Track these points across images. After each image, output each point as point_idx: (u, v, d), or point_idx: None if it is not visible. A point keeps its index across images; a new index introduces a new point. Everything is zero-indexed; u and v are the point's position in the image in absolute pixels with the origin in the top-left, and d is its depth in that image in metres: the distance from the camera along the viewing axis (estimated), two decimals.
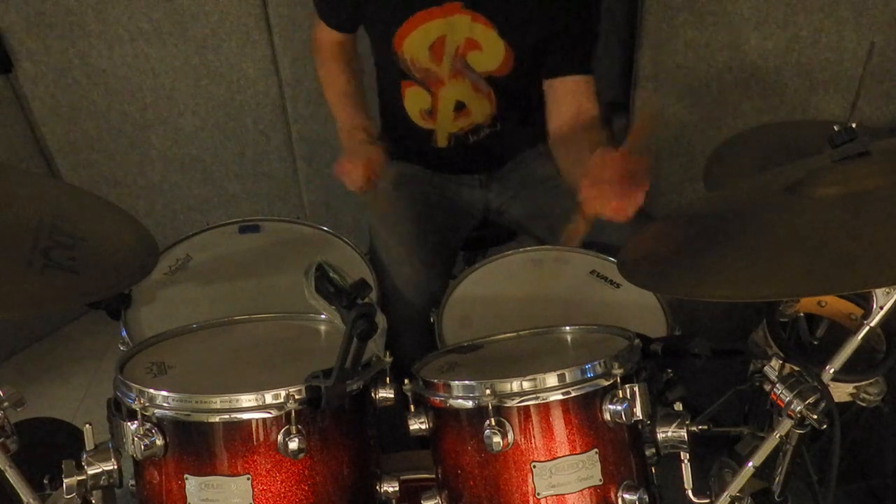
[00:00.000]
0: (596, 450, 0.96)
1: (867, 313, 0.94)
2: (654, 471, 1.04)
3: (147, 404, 0.93)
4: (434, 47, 1.45)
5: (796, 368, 1.04)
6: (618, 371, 0.96)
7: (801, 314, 1.55)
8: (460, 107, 1.54)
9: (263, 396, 0.93)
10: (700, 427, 1.02)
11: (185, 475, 0.94)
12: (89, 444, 1.00)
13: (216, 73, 2.08)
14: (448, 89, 1.51)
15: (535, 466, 0.95)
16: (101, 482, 0.98)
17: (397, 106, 1.58)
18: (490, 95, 1.52)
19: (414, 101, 1.56)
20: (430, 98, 1.53)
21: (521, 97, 1.59)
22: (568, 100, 1.50)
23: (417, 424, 1.04)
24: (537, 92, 1.60)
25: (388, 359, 1.06)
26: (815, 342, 1.57)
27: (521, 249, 1.48)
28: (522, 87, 1.56)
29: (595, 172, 1.20)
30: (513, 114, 1.58)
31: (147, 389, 0.94)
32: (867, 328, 0.95)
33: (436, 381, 1.02)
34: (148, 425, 0.93)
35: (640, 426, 1.01)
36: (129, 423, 0.94)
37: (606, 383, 0.96)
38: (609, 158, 1.19)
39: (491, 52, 1.45)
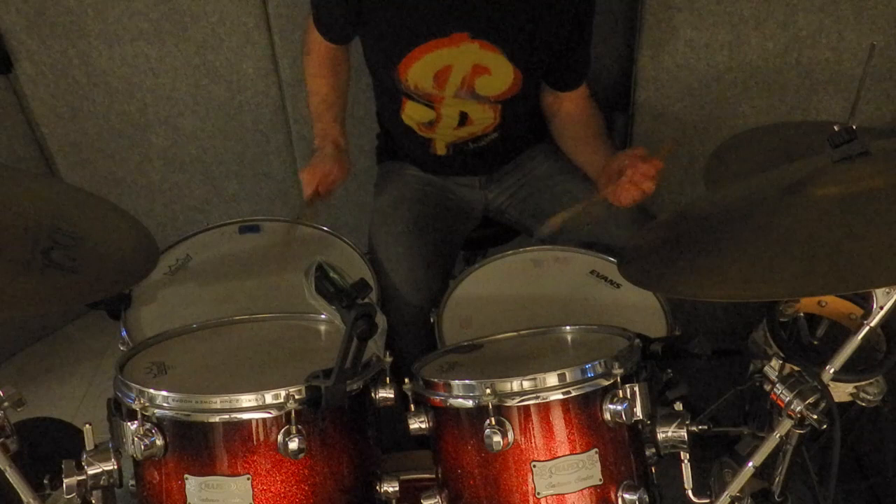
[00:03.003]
0: (596, 449, 0.96)
1: (867, 313, 0.94)
2: (654, 471, 1.04)
3: (147, 404, 0.93)
4: (439, 75, 1.43)
5: (796, 368, 1.04)
6: (618, 371, 0.96)
7: (801, 314, 1.54)
8: (464, 118, 1.52)
9: (263, 396, 0.93)
10: (700, 427, 1.02)
11: (185, 475, 0.94)
12: (89, 444, 1.00)
13: (216, 73, 2.08)
14: (451, 104, 1.49)
15: (535, 466, 0.95)
16: (101, 482, 0.98)
17: (395, 115, 1.56)
18: (496, 108, 1.51)
19: (413, 114, 1.54)
20: (431, 113, 1.51)
21: (525, 108, 1.59)
22: (579, 104, 1.60)
23: (417, 424, 1.04)
24: (537, 99, 1.61)
25: (388, 359, 1.06)
26: (815, 342, 1.57)
27: (521, 249, 1.48)
28: (528, 100, 1.57)
29: (630, 174, 1.34)
30: (516, 122, 1.58)
31: (147, 389, 0.94)
32: (867, 328, 0.95)
33: (436, 380, 1.02)
34: (148, 425, 0.93)
35: (640, 426, 1.01)
36: (129, 423, 0.94)
37: (607, 383, 0.96)
38: (645, 166, 1.33)
39: (500, 75, 1.44)
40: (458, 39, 1.39)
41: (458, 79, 1.44)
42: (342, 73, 1.62)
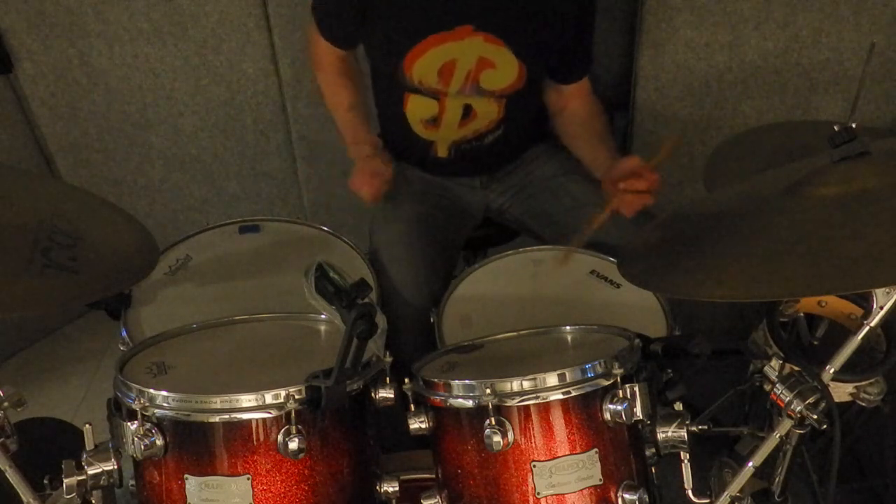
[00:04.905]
0: (596, 449, 0.96)
1: (867, 313, 0.94)
2: (654, 471, 1.04)
3: (147, 404, 0.93)
4: (443, 70, 1.43)
5: (796, 368, 1.04)
6: (618, 371, 0.96)
7: (801, 314, 1.54)
8: (468, 111, 1.52)
9: (263, 396, 0.93)
10: (700, 427, 1.02)
11: (185, 475, 0.94)
12: (89, 444, 1.00)
13: (216, 73, 2.08)
14: (455, 98, 1.49)
15: (535, 466, 0.95)
16: (101, 482, 0.98)
17: (397, 114, 1.56)
18: (501, 102, 1.51)
19: (416, 110, 1.53)
20: (435, 106, 1.51)
21: (529, 103, 1.59)
22: (582, 100, 1.60)
23: (417, 424, 1.04)
24: (541, 95, 1.61)
25: (388, 359, 1.06)
26: (815, 342, 1.57)
27: (521, 249, 1.48)
28: (532, 96, 1.57)
29: (631, 182, 1.35)
30: (519, 119, 1.58)
31: (147, 389, 0.94)
32: (867, 328, 0.95)
33: (436, 380, 1.02)
34: (148, 425, 0.93)
35: (640, 426, 1.01)
36: (129, 423, 0.94)
37: (606, 383, 0.96)
38: (646, 176, 1.35)
39: (505, 69, 1.44)
40: (462, 33, 1.39)
41: (463, 73, 1.44)
42: (358, 77, 1.62)
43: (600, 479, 0.96)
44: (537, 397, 0.95)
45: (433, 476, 1.07)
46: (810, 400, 0.96)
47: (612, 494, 0.97)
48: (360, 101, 1.60)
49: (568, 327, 1.19)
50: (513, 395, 0.95)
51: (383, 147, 1.55)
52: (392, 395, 1.05)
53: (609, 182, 1.42)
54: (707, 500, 1.06)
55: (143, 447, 0.92)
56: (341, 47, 1.56)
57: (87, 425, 1.00)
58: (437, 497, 1.03)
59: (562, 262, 1.43)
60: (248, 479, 0.94)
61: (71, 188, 1.29)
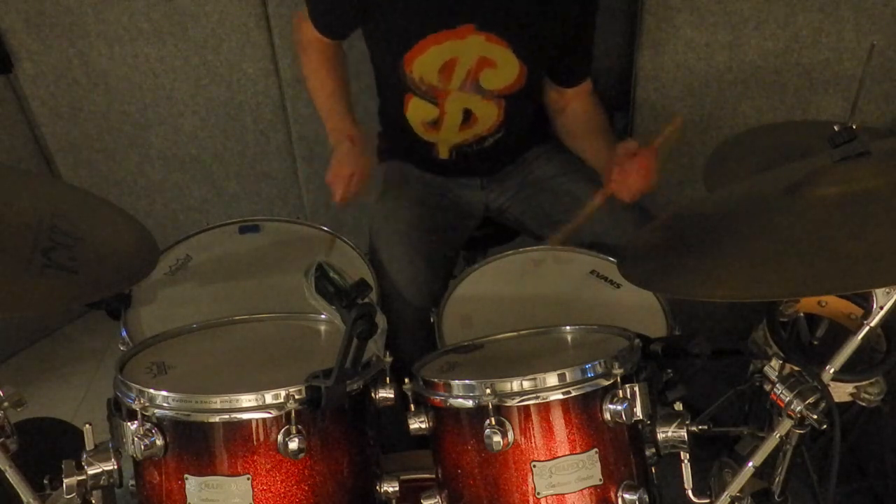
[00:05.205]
0: (596, 449, 0.96)
1: (867, 313, 0.94)
2: (654, 471, 1.04)
3: (147, 404, 0.93)
4: (444, 68, 1.43)
5: (796, 368, 1.04)
6: (618, 371, 0.96)
7: (801, 314, 1.54)
8: (467, 116, 1.52)
9: (263, 396, 0.93)
10: (700, 427, 1.02)
11: (185, 475, 0.94)
12: (89, 444, 1.00)
13: (216, 73, 2.08)
14: (455, 100, 1.49)
15: (535, 466, 0.95)
16: (101, 482, 0.98)
17: (399, 115, 1.56)
18: (500, 104, 1.51)
19: (417, 112, 1.53)
20: (435, 110, 1.51)
21: (529, 105, 1.59)
22: (583, 100, 1.61)
23: (417, 424, 1.04)
24: (540, 97, 1.61)
25: (388, 359, 1.06)
26: (815, 342, 1.57)
27: (521, 249, 1.48)
28: (531, 97, 1.58)
29: (626, 164, 1.40)
30: (519, 121, 1.58)
31: (147, 389, 0.94)
32: (867, 328, 0.95)
33: (436, 380, 1.02)
34: (148, 425, 0.93)
35: (640, 426, 1.01)
36: (129, 423, 0.94)
37: (607, 383, 0.96)
38: (639, 155, 1.40)
39: (505, 69, 1.45)
40: (464, 32, 1.39)
41: (464, 72, 1.44)
42: (342, 66, 1.61)
43: (600, 479, 0.96)
44: (537, 397, 0.95)
45: (433, 476, 1.07)
46: (810, 400, 0.96)
47: (612, 494, 0.97)
48: (342, 90, 1.58)
49: (568, 327, 1.19)
50: (513, 395, 0.95)
51: (361, 138, 1.52)
52: (392, 395, 1.05)
53: (609, 166, 1.43)
54: (707, 500, 1.06)
55: (143, 447, 0.92)
56: (332, 38, 1.55)
57: (87, 425, 1.00)
58: (437, 497, 1.03)
59: (556, 242, 1.46)
60: (248, 479, 0.94)
61: (71, 188, 1.30)
